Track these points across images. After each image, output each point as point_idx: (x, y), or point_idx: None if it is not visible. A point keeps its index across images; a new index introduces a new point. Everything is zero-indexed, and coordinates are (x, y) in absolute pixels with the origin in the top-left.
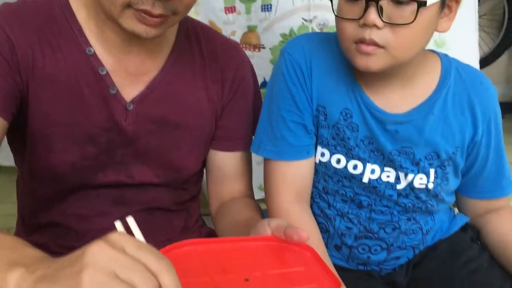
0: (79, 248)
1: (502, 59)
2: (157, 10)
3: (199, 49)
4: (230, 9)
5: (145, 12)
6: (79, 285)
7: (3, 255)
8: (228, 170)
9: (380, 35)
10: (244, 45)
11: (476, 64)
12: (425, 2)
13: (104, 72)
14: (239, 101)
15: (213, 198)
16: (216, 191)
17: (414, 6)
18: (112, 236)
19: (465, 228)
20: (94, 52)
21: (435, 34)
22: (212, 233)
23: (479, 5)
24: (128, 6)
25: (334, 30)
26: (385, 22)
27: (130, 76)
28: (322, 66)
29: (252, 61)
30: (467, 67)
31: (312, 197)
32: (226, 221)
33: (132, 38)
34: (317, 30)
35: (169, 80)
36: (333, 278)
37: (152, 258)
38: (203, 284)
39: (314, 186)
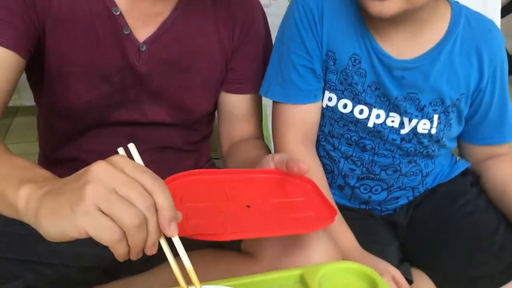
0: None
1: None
2: None
3: None
4: None
5: None
6: (81, 197)
7: (15, 174)
8: (238, 112)
9: None
10: None
11: (497, 12)
12: None
13: (118, 13)
14: (250, 44)
15: (224, 138)
16: (226, 132)
17: None
18: (114, 158)
19: (465, 173)
20: None
21: None
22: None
23: None
24: None
25: None
26: None
27: (143, 17)
28: (333, 11)
29: (269, 10)
30: (477, 14)
31: (318, 140)
32: (236, 160)
33: None
34: None
35: (180, 22)
36: (330, 208)
37: (149, 178)
38: (206, 208)
39: (321, 129)
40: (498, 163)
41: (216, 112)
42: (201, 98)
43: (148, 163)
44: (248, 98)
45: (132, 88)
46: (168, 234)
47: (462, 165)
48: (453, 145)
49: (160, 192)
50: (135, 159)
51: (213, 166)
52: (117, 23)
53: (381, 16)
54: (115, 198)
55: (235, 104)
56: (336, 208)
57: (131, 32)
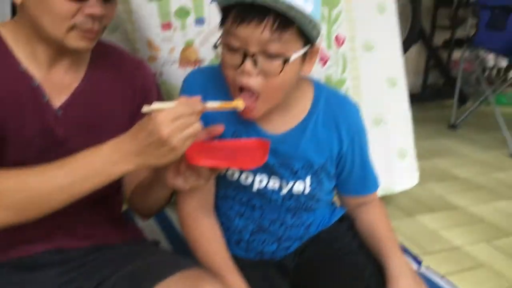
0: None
1: (411, 53)
2: (96, 26)
3: (111, 63)
4: (167, 25)
5: (87, 30)
6: (161, 137)
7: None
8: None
9: (255, 82)
10: (184, 62)
11: (400, 61)
12: (289, 59)
13: (36, 84)
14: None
15: (127, 185)
16: (129, 177)
17: (281, 59)
18: (156, 115)
19: (343, 219)
20: (26, 68)
21: (364, 39)
22: (137, 229)
23: None
24: (73, 28)
25: None
26: (258, 71)
27: (57, 86)
28: (214, 95)
29: None
30: (336, 93)
31: (215, 203)
32: (137, 193)
33: (56, 56)
34: None
35: (89, 89)
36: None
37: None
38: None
39: (217, 193)
40: (367, 210)
41: None
42: None
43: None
44: None
45: (53, 151)
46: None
47: (339, 212)
48: (330, 197)
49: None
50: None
51: (128, 220)
52: (37, 93)
53: (249, 117)
54: (181, 122)
55: None
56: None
57: (49, 99)
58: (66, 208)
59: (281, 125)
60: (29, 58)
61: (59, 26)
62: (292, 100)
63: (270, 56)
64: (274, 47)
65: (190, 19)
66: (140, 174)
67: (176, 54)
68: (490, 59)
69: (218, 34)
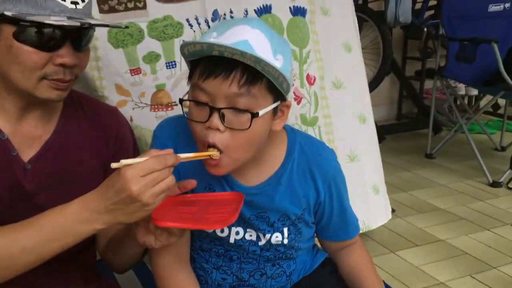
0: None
1: (384, 84)
2: (68, 76)
3: (84, 114)
4: (135, 71)
5: (59, 80)
6: (131, 194)
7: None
8: None
9: (221, 139)
10: (155, 106)
11: (368, 98)
12: (258, 114)
13: (4, 138)
14: (123, 155)
15: (100, 238)
16: (101, 234)
17: (249, 115)
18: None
19: (324, 263)
20: None
21: (333, 78)
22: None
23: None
24: (43, 78)
25: None
26: (226, 126)
27: (26, 139)
28: (186, 146)
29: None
30: (310, 140)
31: (191, 255)
32: (108, 244)
33: (26, 108)
34: None
35: (60, 141)
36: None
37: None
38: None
39: (193, 245)
40: (348, 253)
41: None
42: None
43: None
44: None
45: (21, 204)
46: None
47: (321, 257)
48: (309, 243)
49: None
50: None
51: (102, 269)
52: (5, 147)
53: (217, 175)
54: (150, 178)
55: None
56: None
57: (17, 153)
58: (38, 268)
59: (255, 177)
60: None
61: (28, 77)
62: (265, 152)
63: (238, 111)
64: (242, 102)
65: (161, 63)
66: (112, 228)
67: (147, 98)
68: (461, 88)
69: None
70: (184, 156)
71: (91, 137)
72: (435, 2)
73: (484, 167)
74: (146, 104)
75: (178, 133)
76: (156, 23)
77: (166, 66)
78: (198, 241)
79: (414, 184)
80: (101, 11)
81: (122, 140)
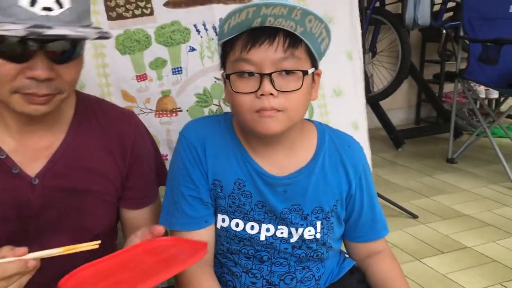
0: None
1: (402, 88)
2: (42, 91)
3: (97, 121)
4: (142, 77)
5: (32, 94)
6: None
7: None
8: (140, 222)
9: (277, 102)
10: (160, 112)
11: (363, 104)
12: (307, 71)
13: (3, 156)
14: (143, 164)
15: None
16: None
17: (298, 75)
18: None
19: (352, 271)
20: None
21: (333, 86)
22: None
23: (377, 41)
24: (15, 91)
25: None
26: (278, 90)
27: (31, 153)
28: (214, 145)
29: (172, 127)
30: (338, 132)
31: (218, 259)
32: None
33: (27, 119)
34: None
35: (71, 151)
36: (198, 243)
37: None
38: None
39: (220, 248)
40: (378, 261)
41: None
42: (101, 217)
43: None
44: (147, 209)
45: (31, 223)
46: None
47: (348, 264)
48: (338, 245)
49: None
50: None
51: None
52: (4, 166)
53: (270, 133)
54: None
55: (137, 216)
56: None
57: (20, 169)
58: None
59: (287, 166)
60: None
61: (1, 89)
62: (297, 141)
63: (286, 73)
64: (288, 64)
65: (167, 69)
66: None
67: (152, 104)
68: (481, 91)
69: (196, 82)
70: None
71: (105, 146)
72: (453, 4)
73: (508, 172)
74: (151, 110)
75: (205, 134)
76: (164, 29)
77: (172, 72)
78: (226, 243)
79: (436, 189)
80: (109, 18)
81: (139, 150)
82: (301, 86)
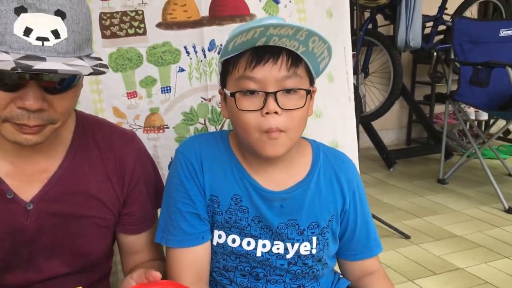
0: None
1: (393, 109)
2: (33, 122)
3: (96, 143)
4: (132, 94)
5: (22, 125)
6: None
7: None
8: (136, 247)
9: (281, 121)
10: (148, 129)
11: (346, 125)
12: (310, 90)
13: None
14: (142, 190)
15: (125, 268)
16: (126, 261)
17: (301, 93)
18: None
19: None
20: None
21: (315, 105)
22: None
23: (369, 63)
24: (6, 120)
25: None
26: (282, 109)
27: (27, 177)
28: (211, 161)
29: (158, 143)
30: (332, 149)
31: (214, 277)
32: None
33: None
34: (218, 108)
35: (68, 176)
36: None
37: None
38: None
39: (215, 265)
40: (373, 282)
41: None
42: (96, 242)
43: None
44: (145, 234)
45: (25, 248)
46: None
47: (343, 284)
48: (333, 263)
49: None
50: None
51: None
52: None
53: (276, 155)
54: None
55: (134, 242)
56: None
57: (15, 194)
58: None
59: (283, 182)
60: None
61: None
62: (293, 156)
63: (289, 92)
64: (291, 83)
65: (156, 87)
66: (139, 261)
67: (141, 121)
68: (471, 113)
69: (184, 101)
70: None
71: (103, 171)
72: (444, 27)
73: (499, 193)
74: (139, 126)
75: (202, 150)
76: (155, 49)
77: (161, 90)
78: (222, 260)
79: (428, 210)
80: (103, 36)
81: (139, 176)
82: (304, 104)
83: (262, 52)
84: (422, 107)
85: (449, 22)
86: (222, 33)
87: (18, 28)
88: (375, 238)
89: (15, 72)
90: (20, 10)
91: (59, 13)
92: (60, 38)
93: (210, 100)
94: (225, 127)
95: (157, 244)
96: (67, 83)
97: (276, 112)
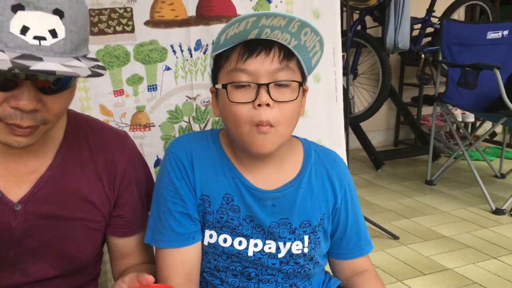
0: None
1: (381, 110)
2: (26, 122)
3: (87, 144)
4: (119, 92)
5: (15, 125)
6: None
7: None
8: (127, 250)
9: (272, 114)
10: (134, 127)
11: (332, 124)
12: (302, 82)
13: None
14: (133, 192)
15: (114, 271)
16: (116, 265)
17: (293, 86)
18: None
19: None
20: None
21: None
22: None
23: (358, 64)
24: None
25: None
26: (274, 101)
27: (15, 177)
28: (202, 160)
29: (144, 141)
30: (323, 148)
31: (204, 277)
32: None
33: None
34: (202, 107)
35: (57, 177)
36: None
37: None
38: None
39: (206, 266)
40: (363, 281)
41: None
42: (85, 245)
43: None
44: (135, 237)
45: (11, 249)
46: None
47: (334, 283)
48: (324, 262)
49: None
50: None
51: None
52: None
53: (265, 150)
54: None
55: (124, 244)
56: None
57: (3, 194)
58: None
59: (275, 181)
60: None
61: None
62: (284, 155)
63: (281, 85)
64: (283, 75)
65: (143, 86)
66: (129, 264)
67: (128, 119)
68: (458, 115)
69: (169, 100)
70: None
71: (94, 172)
72: (432, 29)
73: (486, 194)
74: (126, 124)
75: (192, 149)
76: (143, 47)
77: (148, 88)
78: (213, 260)
79: (416, 211)
80: (91, 33)
81: (130, 177)
82: (296, 97)
83: (254, 45)
84: (410, 109)
85: (437, 24)
86: (208, 33)
87: (14, 26)
88: (366, 237)
89: (14, 72)
90: (17, 7)
91: (57, 12)
92: (57, 37)
93: (195, 98)
94: (209, 126)
95: (148, 247)
96: (62, 84)
97: (268, 105)
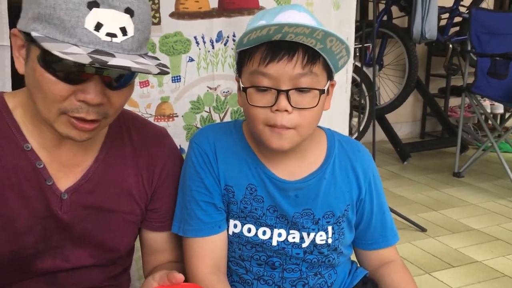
0: None
1: (408, 102)
2: (91, 116)
3: (130, 139)
4: (144, 83)
5: (80, 118)
6: None
7: None
8: (159, 246)
9: (290, 119)
10: (159, 117)
11: (346, 117)
12: (324, 90)
13: (41, 166)
14: (170, 187)
15: (146, 267)
16: (148, 261)
17: (314, 93)
18: None
19: (365, 282)
20: (32, 147)
21: None
22: None
23: (384, 55)
24: (63, 113)
25: (236, 97)
26: (293, 107)
27: (64, 168)
28: (225, 151)
29: (168, 131)
30: (347, 138)
31: (229, 266)
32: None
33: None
34: (222, 97)
35: (102, 169)
36: None
37: None
38: None
39: (231, 255)
40: (391, 272)
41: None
42: (122, 237)
43: None
44: (167, 234)
45: (55, 235)
46: None
47: (361, 273)
48: (349, 251)
49: None
50: None
51: None
52: (40, 175)
53: (281, 149)
54: None
55: (156, 239)
56: None
57: (53, 182)
58: None
59: (298, 171)
60: (36, 135)
61: (49, 108)
62: (308, 147)
63: (304, 90)
64: (305, 82)
65: (167, 77)
66: (159, 261)
67: (152, 109)
68: (486, 106)
69: (192, 90)
70: None
71: (135, 166)
72: (460, 19)
73: None
74: (151, 114)
75: (216, 140)
76: (168, 38)
77: (172, 80)
78: (238, 249)
79: (444, 203)
80: None
81: (168, 173)
82: (317, 104)
83: (278, 48)
84: (437, 100)
85: (465, 13)
86: (230, 25)
87: (89, 22)
88: (392, 228)
89: (92, 66)
90: (92, 4)
91: (128, 11)
92: (127, 35)
93: (215, 89)
94: (228, 115)
95: (179, 247)
96: (124, 80)
97: (286, 110)
